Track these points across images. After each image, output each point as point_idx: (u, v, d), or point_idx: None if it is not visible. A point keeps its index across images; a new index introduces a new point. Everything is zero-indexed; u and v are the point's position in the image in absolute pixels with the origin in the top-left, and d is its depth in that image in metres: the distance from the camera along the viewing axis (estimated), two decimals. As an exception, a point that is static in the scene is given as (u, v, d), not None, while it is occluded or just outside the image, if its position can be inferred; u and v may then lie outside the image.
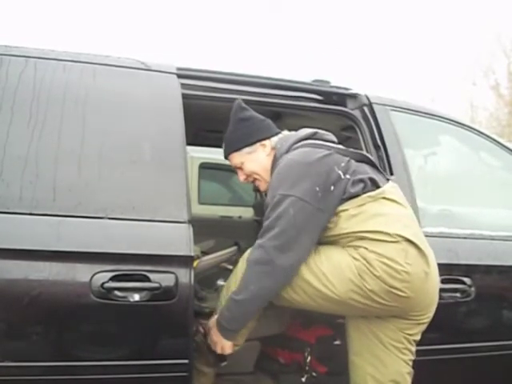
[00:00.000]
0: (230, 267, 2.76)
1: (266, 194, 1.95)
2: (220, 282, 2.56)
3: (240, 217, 4.30)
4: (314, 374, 2.07)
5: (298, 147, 1.72)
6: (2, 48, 1.70)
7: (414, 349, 1.69)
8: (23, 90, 1.62)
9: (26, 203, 1.48)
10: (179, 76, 1.85)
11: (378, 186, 1.67)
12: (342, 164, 1.67)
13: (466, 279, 1.90)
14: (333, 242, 1.65)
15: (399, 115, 2.16)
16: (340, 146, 1.78)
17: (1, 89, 1.61)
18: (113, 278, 1.48)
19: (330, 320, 2.04)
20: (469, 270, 1.89)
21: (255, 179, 1.86)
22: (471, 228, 2.03)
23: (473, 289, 1.92)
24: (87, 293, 1.46)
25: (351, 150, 1.77)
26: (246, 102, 2.00)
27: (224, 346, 1.68)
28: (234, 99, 1.92)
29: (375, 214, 1.61)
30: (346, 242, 1.62)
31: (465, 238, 1.92)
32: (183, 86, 1.84)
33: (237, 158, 1.86)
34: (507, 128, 15.44)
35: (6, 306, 1.43)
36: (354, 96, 2.18)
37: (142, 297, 1.50)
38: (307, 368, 2.07)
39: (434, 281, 1.66)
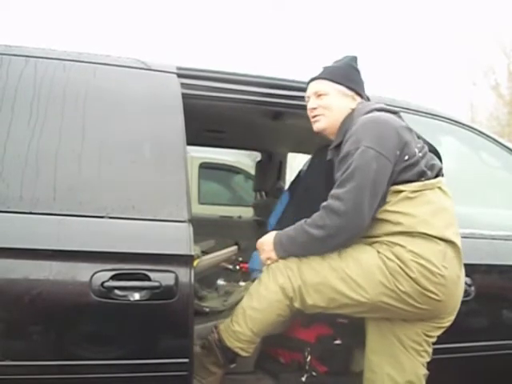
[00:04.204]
0: (230, 267, 2.77)
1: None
2: (220, 282, 2.56)
3: (240, 217, 4.31)
4: (314, 373, 2.07)
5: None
6: (3, 47, 1.70)
7: (431, 351, 1.69)
8: (24, 89, 1.62)
9: (27, 202, 1.48)
10: (179, 75, 1.85)
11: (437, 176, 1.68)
12: (419, 145, 1.68)
13: (466, 279, 1.89)
14: (377, 221, 1.61)
15: (399, 115, 2.16)
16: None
17: (1, 88, 1.61)
18: (113, 277, 1.48)
19: (330, 319, 2.04)
20: (469, 269, 1.89)
21: (320, 115, 1.79)
22: (471, 227, 2.03)
23: (473, 288, 1.93)
24: (87, 292, 1.46)
25: (424, 138, 1.77)
26: (246, 101, 2.00)
27: (270, 256, 1.72)
28: (235, 99, 1.91)
29: (429, 201, 1.61)
30: (387, 229, 1.59)
31: (465, 237, 1.91)
32: (183, 85, 1.84)
33: (326, 86, 1.80)
34: (507, 128, 15.44)
35: (6, 305, 1.43)
36: (354, 96, 2.18)
37: (142, 296, 1.50)
38: (307, 367, 2.07)
39: (463, 284, 1.68)
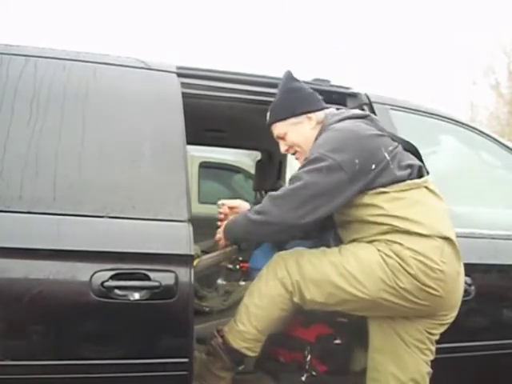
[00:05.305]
0: (230, 266, 2.76)
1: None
2: (220, 282, 2.55)
3: (240, 216, 4.28)
4: (313, 372, 2.07)
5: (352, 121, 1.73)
6: (3, 47, 1.70)
7: (434, 349, 1.69)
8: (24, 88, 1.62)
9: (26, 202, 1.48)
10: (179, 75, 1.85)
11: (421, 175, 1.68)
12: (390, 148, 1.67)
13: (466, 278, 1.89)
14: (369, 224, 1.63)
15: (399, 114, 2.16)
16: (391, 132, 1.80)
17: (1, 88, 1.61)
18: (113, 277, 1.48)
19: (330, 318, 2.04)
20: (469, 269, 1.89)
21: (296, 151, 1.85)
22: (471, 227, 2.03)
23: (473, 288, 1.93)
24: (87, 291, 1.46)
25: (401, 137, 1.77)
26: (246, 101, 2.00)
27: (220, 236, 1.83)
28: (235, 98, 1.91)
29: (418, 201, 1.61)
30: (381, 229, 1.60)
31: (465, 236, 1.92)
32: (183, 84, 1.84)
33: (280, 128, 1.84)
34: (507, 127, 15.43)
35: (6, 304, 1.43)
36: (354, 95, 2.18)
37: (142, 295, 1.50)
38: (307, 367, 2.07)
39: (463, 280, 1.68)
